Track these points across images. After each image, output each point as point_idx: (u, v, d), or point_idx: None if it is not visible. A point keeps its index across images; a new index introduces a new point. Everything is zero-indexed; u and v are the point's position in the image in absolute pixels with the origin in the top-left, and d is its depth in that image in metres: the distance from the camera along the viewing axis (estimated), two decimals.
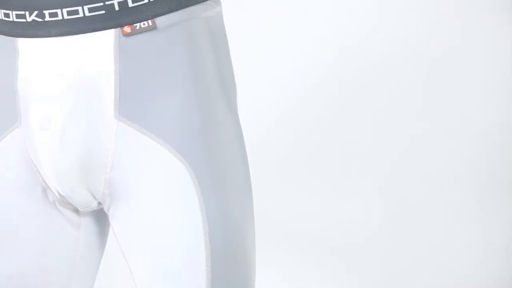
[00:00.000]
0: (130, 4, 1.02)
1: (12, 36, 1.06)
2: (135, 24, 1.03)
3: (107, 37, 1.03)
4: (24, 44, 1.05)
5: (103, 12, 1.02)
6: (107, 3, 1.02)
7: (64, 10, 1.02)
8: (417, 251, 2.58)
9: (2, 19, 1.06)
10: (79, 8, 1.02)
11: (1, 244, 1.10)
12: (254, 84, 2.61)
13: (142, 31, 1.03)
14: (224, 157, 1.07)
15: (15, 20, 1.05)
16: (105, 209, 1.10)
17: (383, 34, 2.62)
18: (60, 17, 1.03)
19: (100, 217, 1.16)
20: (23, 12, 1.04)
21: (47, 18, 1.03)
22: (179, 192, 1.04)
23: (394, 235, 2.62)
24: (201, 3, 1.07)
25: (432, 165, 2.66)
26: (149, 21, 1.03)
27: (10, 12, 1.05)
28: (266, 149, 2.62)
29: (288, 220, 2.64)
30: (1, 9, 1.06)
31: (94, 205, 1.11)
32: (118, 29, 1.03)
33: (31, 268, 1.11)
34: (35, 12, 1.03)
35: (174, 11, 1.04)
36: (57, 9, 1.02)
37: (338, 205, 2.65)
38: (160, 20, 1.04)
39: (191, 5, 1.06)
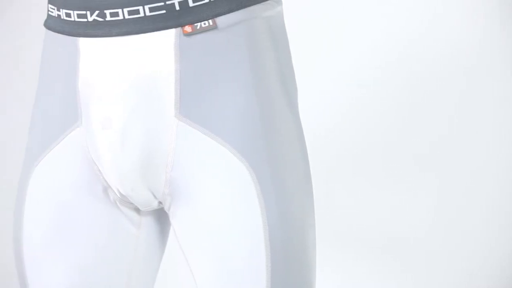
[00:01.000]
0: (191, 4, 1.02)
1: (73, 36, 1.07)
2: (195, 24, 1.03)
3: (168, 37, 1.03)
4: (85, 43, 1.06)
5: (164, 11, 1.02)
6: (167, 2, 1.02)
7: (125, 10, 1.03)
8: (469, 250, 2.56)
9: (64, 19, 1.07)
10: (140, 8, 1.02)
11: (62, 243, 1.11)
12: (315, 84, 2.61)
13: (203, 30, 1.03)
14: (284, 157, 1.06)
15: (77, 19, 1.05)
16: (166, 208, 1.10)
17: (433, 36, 2.60)
18: (121, 17, 1.03)
19: (161, 217, 1.17)
20: (84, 12, 1.04)
21: (108, 18, 1.03)
22: (239, 193, 1.04)
23: (444, 235, 2.60)
24: (262, 3, 1.06)
25: (483, 164, 2.62)
26: (210, 20, 1.03)
27: (71, 12, 1.06)
28: (326, 149, 2.61)
29: (344, 219, 2.63)
30: (63, 9, 1.07)
31: (154, 205, 1.11)
32: (179, 29, 1.03)
33: (92, 267, 1.12)
34: (96, 12, 1.04)
35: (234, 10, 1.04)
36: (118, 8, 1.03)
37: (391, 204, 2.64)
38: (221, 20, 1.03)
39: (252, 5, 1.05)
